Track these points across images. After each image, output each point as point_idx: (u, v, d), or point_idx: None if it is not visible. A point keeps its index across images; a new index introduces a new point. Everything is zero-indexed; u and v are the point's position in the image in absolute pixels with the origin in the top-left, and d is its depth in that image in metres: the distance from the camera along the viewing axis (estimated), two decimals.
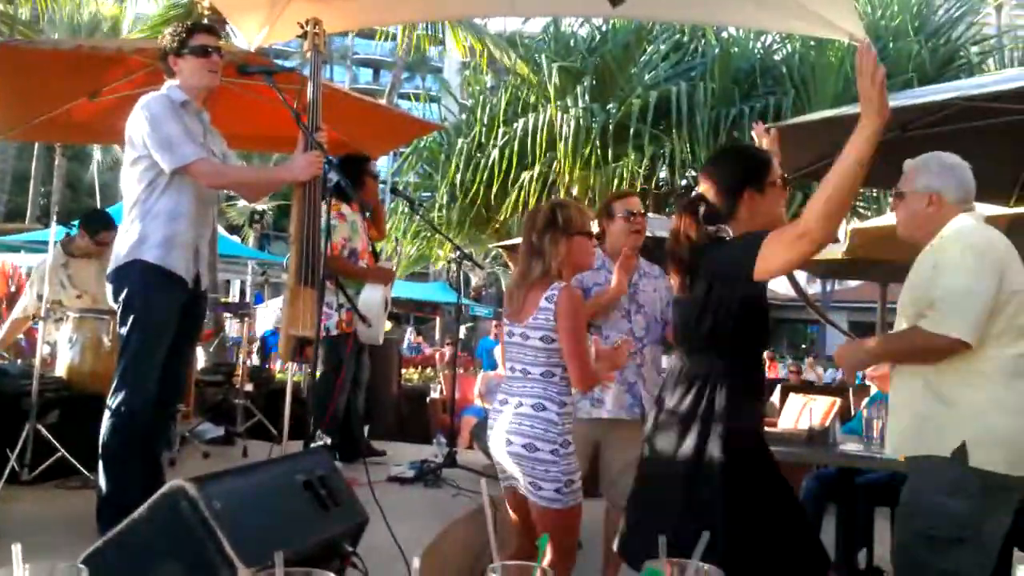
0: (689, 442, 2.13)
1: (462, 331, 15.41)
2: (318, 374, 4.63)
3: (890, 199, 2.62)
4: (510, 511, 2.68)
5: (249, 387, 5.69)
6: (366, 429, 4.76)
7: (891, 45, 11.18)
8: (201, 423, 5.20)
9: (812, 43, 11.04)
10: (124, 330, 2.98)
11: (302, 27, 3.39)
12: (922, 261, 2.37)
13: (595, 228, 2.92)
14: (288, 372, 3.69)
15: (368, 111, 5.80)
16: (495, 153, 11.15)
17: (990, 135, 4.19)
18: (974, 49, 12.07)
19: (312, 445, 3.10)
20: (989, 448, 2.23)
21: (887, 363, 2.51)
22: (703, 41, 11.97)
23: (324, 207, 3.28)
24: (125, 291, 2.99)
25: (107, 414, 2.96)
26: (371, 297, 4.22)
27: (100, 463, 2.96)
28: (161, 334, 3.00)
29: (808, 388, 7.64)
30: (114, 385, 2.96)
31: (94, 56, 4.70)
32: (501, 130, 11.44)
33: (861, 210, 10.77)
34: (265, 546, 1.80)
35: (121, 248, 3.04)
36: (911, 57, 10.73)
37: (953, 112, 4.18)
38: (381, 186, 5.33)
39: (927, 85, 7.89)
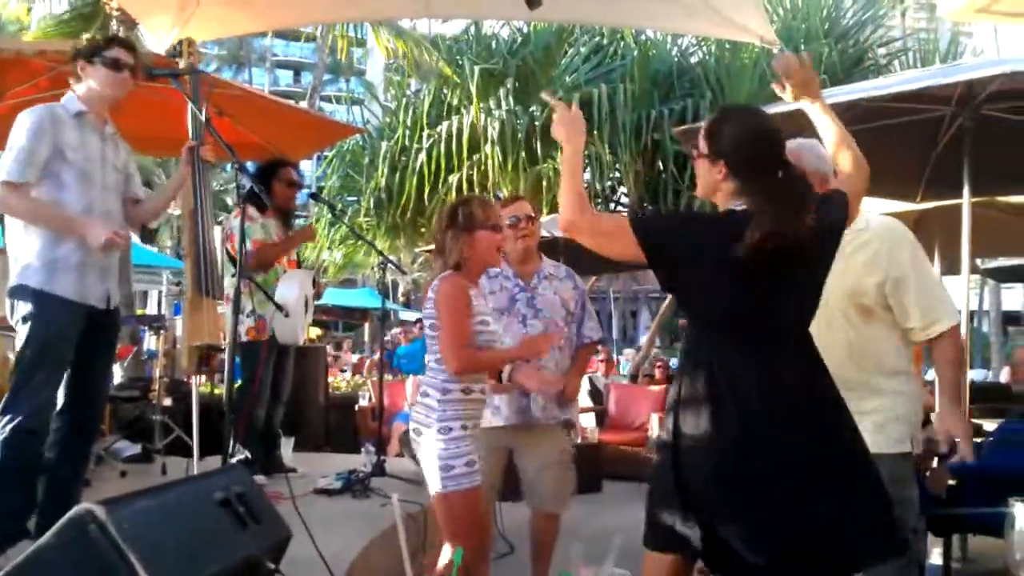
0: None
1: (389, 336, 15.26)
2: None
3: None
4: None
5: (167, 402, 5.50)
6: (291, 442, 4.64)
7: (803, 47, 11.53)
8: (117, 440, 5.00)
9: (727, 46, 11.31)
10: (17, 349, 2.90)
11: (174, 48, 3.39)
12: (847, 248, 2.25)
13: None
14: (193, 384, 3.59)
15: (286, 114, 5.70)
16: (421, 156, 11.08)
17: (896, 134, 4.36)
18: (881, 51, 12.56)
19: (231, 460, 3.01)
20: (915, 432, 2.36)
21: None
22: (622, 44, 12.12)
23: (242, 211, 3.23)
24: (18, 311, 2.90)
25: None
26: (287, 290, 4.12)
27: None
28: (52, 356, 2.88)
29: None
30: (4, 406, 2.83)
31: None
32: (425, 133, 11.38)
33: None
34: (181, 569, 1.74)
35: (11, 268, 2.93)
36: (822, 59, 11.09)
37: (859, 112, 4.32)
38: (305, 191, 5.20)
39: (838, 86, 8.16)
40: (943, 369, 2.38)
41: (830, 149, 2.13)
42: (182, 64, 3.41)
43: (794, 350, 2.00)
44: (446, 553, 2.51)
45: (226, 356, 3.14)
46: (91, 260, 2.99)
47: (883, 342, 2.39)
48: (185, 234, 3.17)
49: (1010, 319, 26.82)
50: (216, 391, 5.69)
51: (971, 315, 4.59)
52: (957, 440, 2.30)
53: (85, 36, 3.12)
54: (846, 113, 4.35)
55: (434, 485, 2.52)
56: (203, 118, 3.00)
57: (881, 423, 2.31)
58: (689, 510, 1.95)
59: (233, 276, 4.00)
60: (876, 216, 2.47)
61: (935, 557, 3.51)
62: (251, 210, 4.17)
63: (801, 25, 11.82)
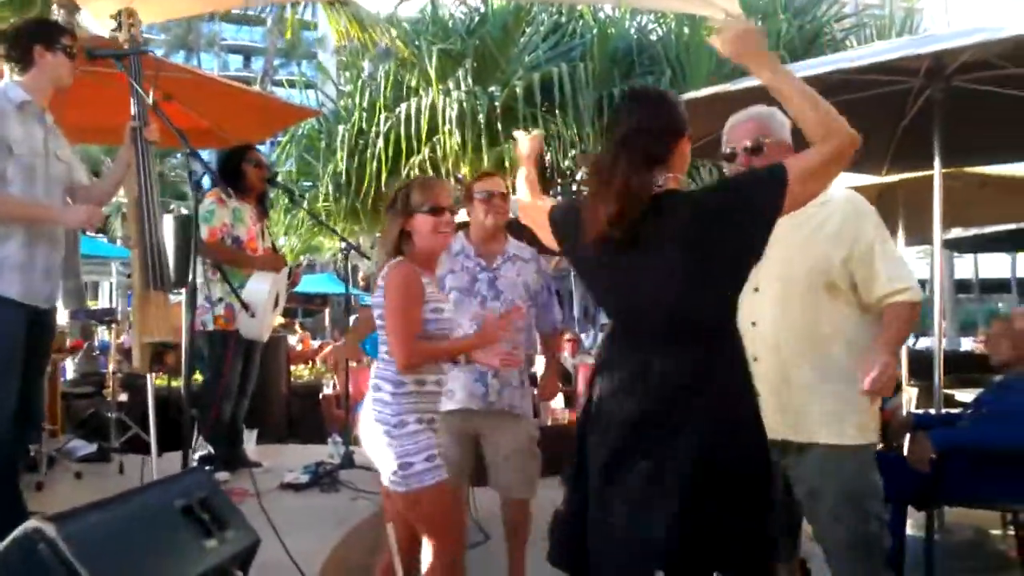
0: None
1: (351, 322, 15.10)
2: (201, 377, 4.35)
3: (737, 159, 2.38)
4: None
5: (123, 397, 5.29)
6: (255, 434, 4.48)
7: (760, 24, 11.54)
8: (71, 440, 4.79)
9: (685, 23, 11.27)
10: None
11: (114, 19, 3.21)
12: (809, 223, 2.27)
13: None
14: (148, 381, 3.45)
15: (237, 97, 5.49)
16: (380, 141, 10.87)
17: (863, 107, 4.31)
18: (836, 27, 12.63)
19: (192, 456, 2.87)
20: (873, 420, 2.32)
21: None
22: (580, 23, 12.02)
23: (196, 198, 3.08)
24: None
25: None
26: (256, 289, 3.96)
27: None
28: (3, 359, 2.72)
29: None
30: None
31: None
32: (383, 116, 11.16)
33: None
34: None
35: None
36: (780, 35, 11.11)
37: (826, 87, 4.27)
38: None
39: (797, 62, 8.16)
40: (897, 323, 2.27)
41: (795, 115, 1.84)
42: (122, 36, 3.21)
43: (666, 344, 1.82)
44: (427, 551, 2.40)
45: (183, 348, 2.98)
46: (36, 259, 2.85)
47: (848, 322, 2.32)
48: (131, 223, 2.99)
49: (961, 287, 27.53)
50: (175, 383, 5.50)
51: (927, 284, 4.61)
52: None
53: (24, 20, 2.94)
54: (814, 87, 4.33)
55: (395, 484, 2.38)
56: (149, 100, 2.82)
57: (842, 413, 2.27)
58: None
59: (204, 265, 3.85)
60: (838, 189, 2.38)
61: (911, 529, 3.50)
62: (223, 194, 4.01)
63: (759, 1, 11.82)
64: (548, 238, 2.11)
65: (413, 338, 2.39)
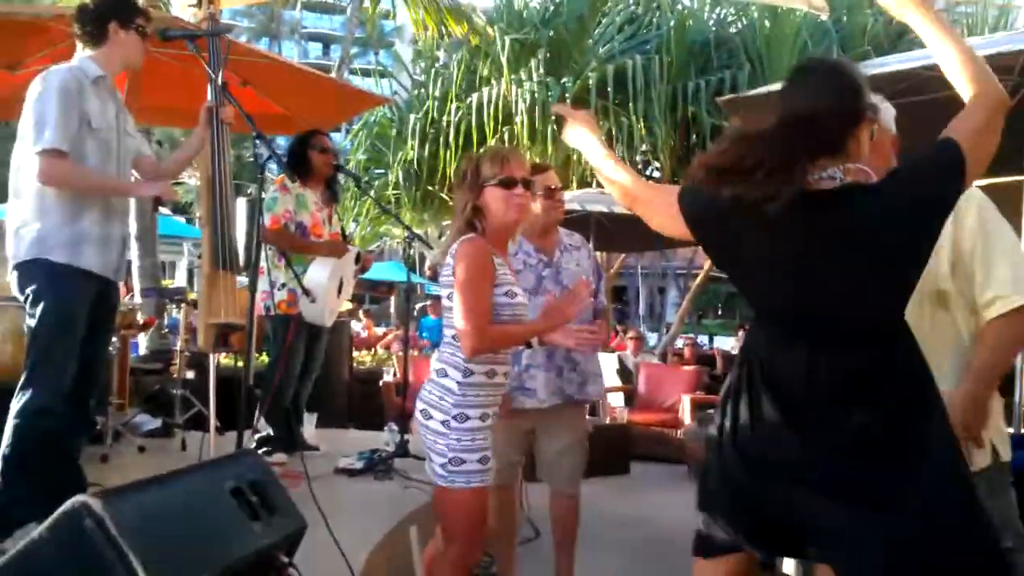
0: None
1: (415, 311, 15.21)
2: (266, 360, 4.40)
3: None
4: None
5: (189, 375, 5.41)
6: (314, 418, 4.53)
7: (845, 18, 11.15)
8: (137, 415, 4.93)
9: (767, 15, 10.95)
10: (33, 325, 2.76)
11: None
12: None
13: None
14: (211, 362, 3.50)
15: (310, 82, 5.54)
16: (451, 131, 10.88)
17: (955, 106, 4.10)
18: None
19: (248, 437, 2.89)
20: (1003, 430, 2.04)
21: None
22: (658, 14, 11.79)
23: (262, 182, 3.10)
24: (32, 287, 2.77)
25: (12, 416, 2.70)
26: (317, 274, 3.99)
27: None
28: (71, 331, 2.77)
29: None
30: (22, 384, 2.73)
31: (9, 24, 4.35)
32: (454, 105, 11.16)
33: None
34: (185, 567, 1.61)
35: (20, 241, 2.79)
36: (866, 30, 10.71)
37: (914, 84, 4.08)
38: None
39: (882, 56, 7.84)
40: (991, 344, 1.98)
41: (954, 76, 1.71)
42: (200, 14, 3.24)
43: (841, 347, 1.66)
44: (444, 545, 2.36)
45: (250, 331, 3.01)
46: (113, 232, 2.92)
47: (960, 336, 2.06)
48: (201, 203, 3.03)
49: None
50: (240, 363, 5.61)
51: None
52: None
53: None
54: (899, 84, 4.13)
55: (438, 477, 2.28)
56: (220, 83, 2.83)
57: None
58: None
59: (270, 251, 3.90)
60: None
61: None
62: (288, 180, 4.04)
63: None
64: (673, 226, 1.85)
65: (485, 320, 2.23)
